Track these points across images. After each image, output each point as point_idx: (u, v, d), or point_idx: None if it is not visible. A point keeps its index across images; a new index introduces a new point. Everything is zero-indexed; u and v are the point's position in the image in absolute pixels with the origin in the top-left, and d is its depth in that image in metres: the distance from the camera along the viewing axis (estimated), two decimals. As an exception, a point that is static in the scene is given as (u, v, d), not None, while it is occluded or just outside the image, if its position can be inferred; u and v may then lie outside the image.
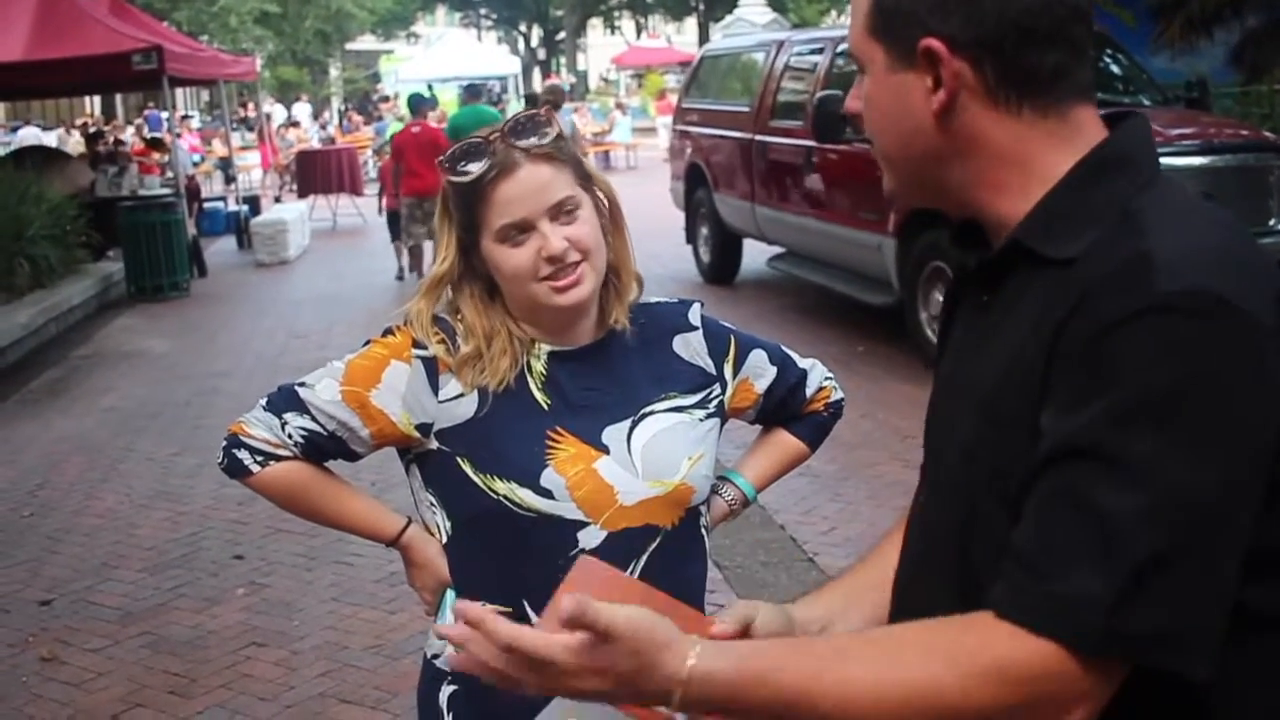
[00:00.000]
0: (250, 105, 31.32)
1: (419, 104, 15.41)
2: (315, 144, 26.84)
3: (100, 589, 5.91)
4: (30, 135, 26.83)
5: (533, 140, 1.99)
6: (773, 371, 2.23)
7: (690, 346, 2.15)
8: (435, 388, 2.02)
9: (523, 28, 59.32)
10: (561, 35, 56.70)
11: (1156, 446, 1.17)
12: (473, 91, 15.47)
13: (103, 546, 6.48)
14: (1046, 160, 1.33)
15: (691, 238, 13.86)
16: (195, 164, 23.99)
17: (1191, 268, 1.20)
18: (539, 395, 2.03)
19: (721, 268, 13.31)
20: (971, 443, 1.35)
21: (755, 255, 13.04)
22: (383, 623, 5.33)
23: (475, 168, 1.98)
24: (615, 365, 2.09)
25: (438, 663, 2.10)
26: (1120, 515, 1.16)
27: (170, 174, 17.57)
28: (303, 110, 37.52)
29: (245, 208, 19.21)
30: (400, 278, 14.79)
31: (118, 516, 6.94)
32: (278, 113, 35.47)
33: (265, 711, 4.65)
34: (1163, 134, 8.18)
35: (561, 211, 1.98)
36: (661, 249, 14.13)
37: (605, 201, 2.09)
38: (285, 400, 2.06)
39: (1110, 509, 1.17)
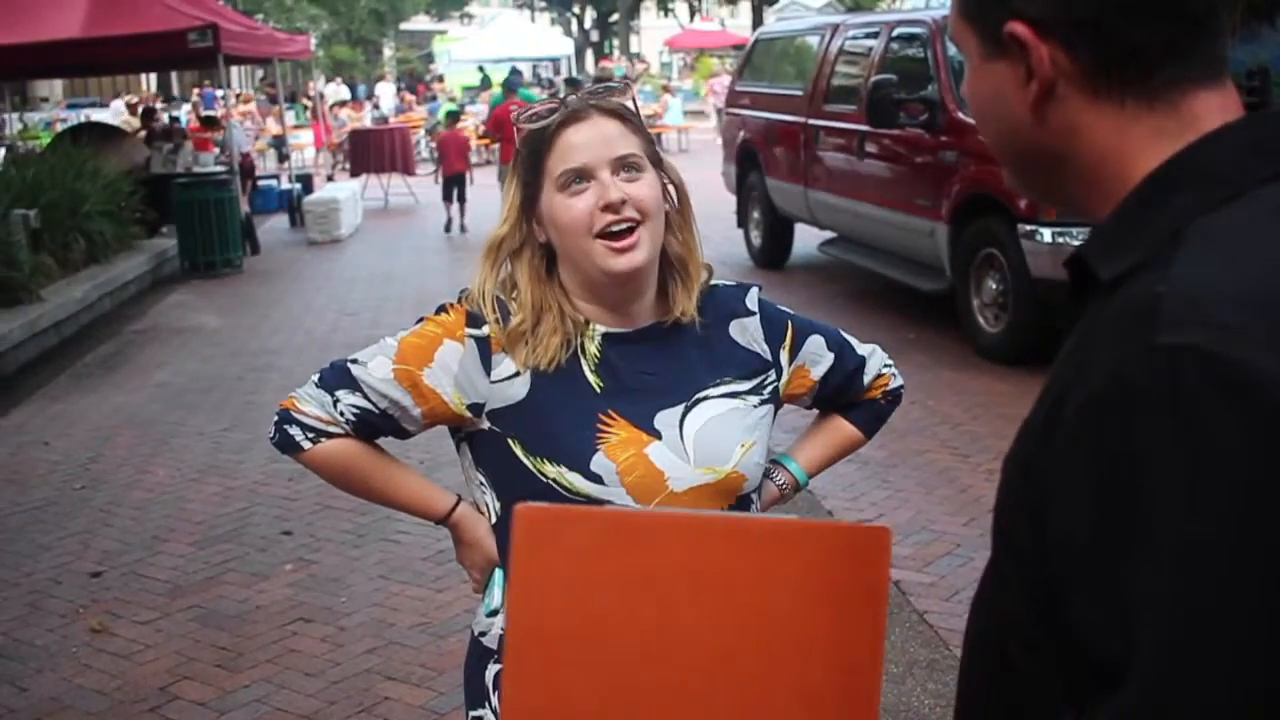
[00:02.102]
0: (310, 85, 31.47)
1: (515, 84, 17.46)
2: (368, 123, 26.95)
3: (150, 562, 5.95)
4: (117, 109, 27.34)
5: (606, 97, 2.02)
6: (830, 358, 2.20)
7: (747, 332, 2.13)
8: (488, 367, 2.00)
9: (576, 9, 59.26)
10: (615, 17, 56.60)
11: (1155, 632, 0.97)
12: (518, 74, 17.75)
13: (153, 520, 6.53)
14: (1148, 160, 1.12)
15: (743, 221, 13.82)
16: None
17: (1201, 316, 0.99)
18: (592, 377, 2.02)
19: (773, 252, 13.26)
20: (1000, 499, 1.20)
21: (806, 240, 12.99)
22: (429, 600, 5.35)
23: (549, 118, 2.00)
24: (670, 349, 2.06)
25: (484, 641, 2.10)
26: None
27: (222, 152, 17.67)
28: (386, 89, 37.60)
29: (298, 186, 19.33)
30: (448, 229, 17.16)
31: (168, 490, 6.99)
32: (330, 91, 35.59)
33: (311, 687, 4.67)
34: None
35: (624, 166, 1.97)
36: (712, 232, 14.08)
37: (674, 191, 2.08)
38: (337, 377, 2.05)
39: None
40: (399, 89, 38.41)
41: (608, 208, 1.94)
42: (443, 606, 5.26)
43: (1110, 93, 1.13)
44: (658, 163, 2.05)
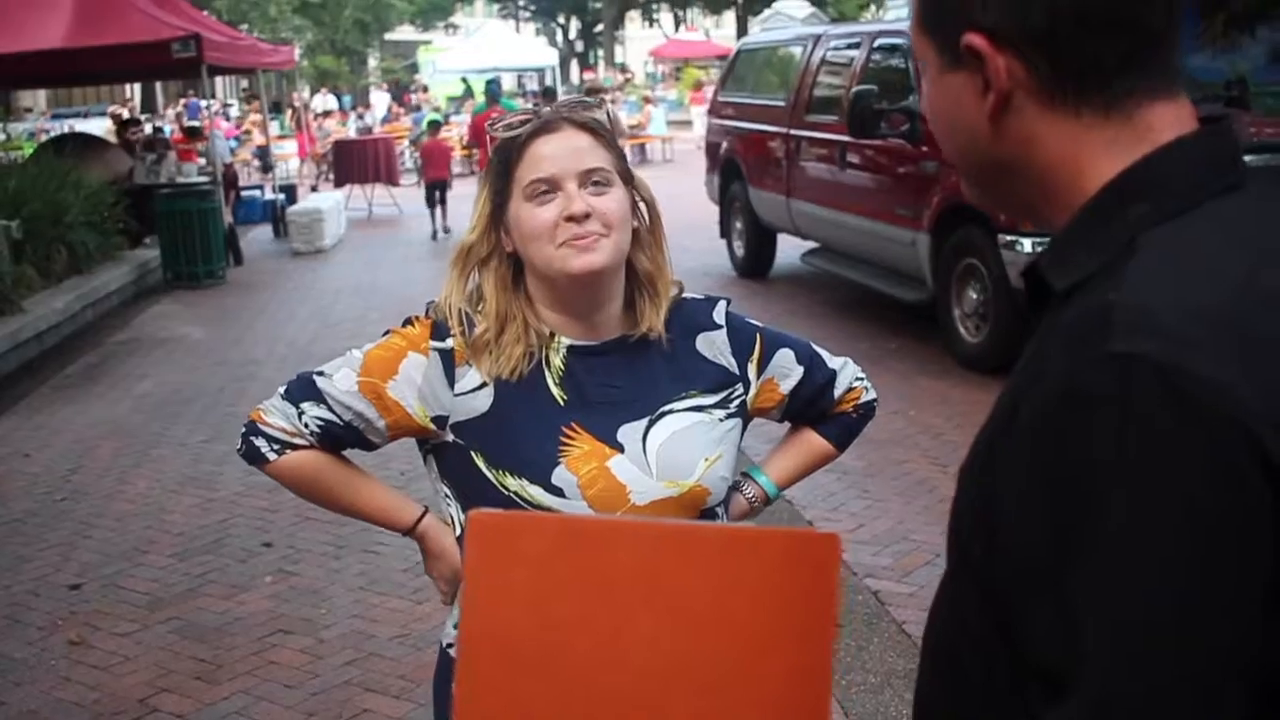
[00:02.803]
0: (294, 95, 31.41)
1: (496, 92, 18.01)
2: (352, 134, 26.95)
3: (130, 574, 5.95)
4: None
5: (578, 111, 2.04)
6: (799, 371, 2.20)
7: (713, 345, 2.13)
8: (451, 380, 2.01)
9: (561, 19, 59.31)
10: (600, 27, 56.66)
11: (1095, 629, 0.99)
12: (498, 85, 19.00)
13: (133, 532, 6.52)
14: (1102, 171, 1.14)
15: (725, 232, 13.84)
16: (232, 149, 24.10)
17: (1152, 326, 1.01)
18: (555, 390, 2.03)
19: (755, 262, 13.29)
20: (955, 508, 1.21)
21: (789, 250, 13.01)
22: (409, 612, 5.35)
23: (521, 128, 2.02)
24: (636, 362, 2.07)
25: (452, 653, 2.10)
26: None
27: (207, 162, 17.66)
28: (381, 100, 37.59)
29: (282, 196, 19.31)
30: (434, 237, 17.57)
31: (149, 502, 6.98)
32: (318, 102, 35.53)
33: (290, 699, 4.67)
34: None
35: (591, 180, 1.98)
36: (695, 242, 14.12)
37: (645, 208, 2.09)
38: (302, 389, 2.06)
39: None
40: (395, 97, 38.40)
41: (571, 219, 1.95)
42: (422, 618, 5.26)
43: (1066, 103, 1.14)
44: (628, 179, 2.06)
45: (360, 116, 32.57)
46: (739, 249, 13.54)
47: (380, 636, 5.14)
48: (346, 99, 40.66)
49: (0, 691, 4.82)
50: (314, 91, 37.62)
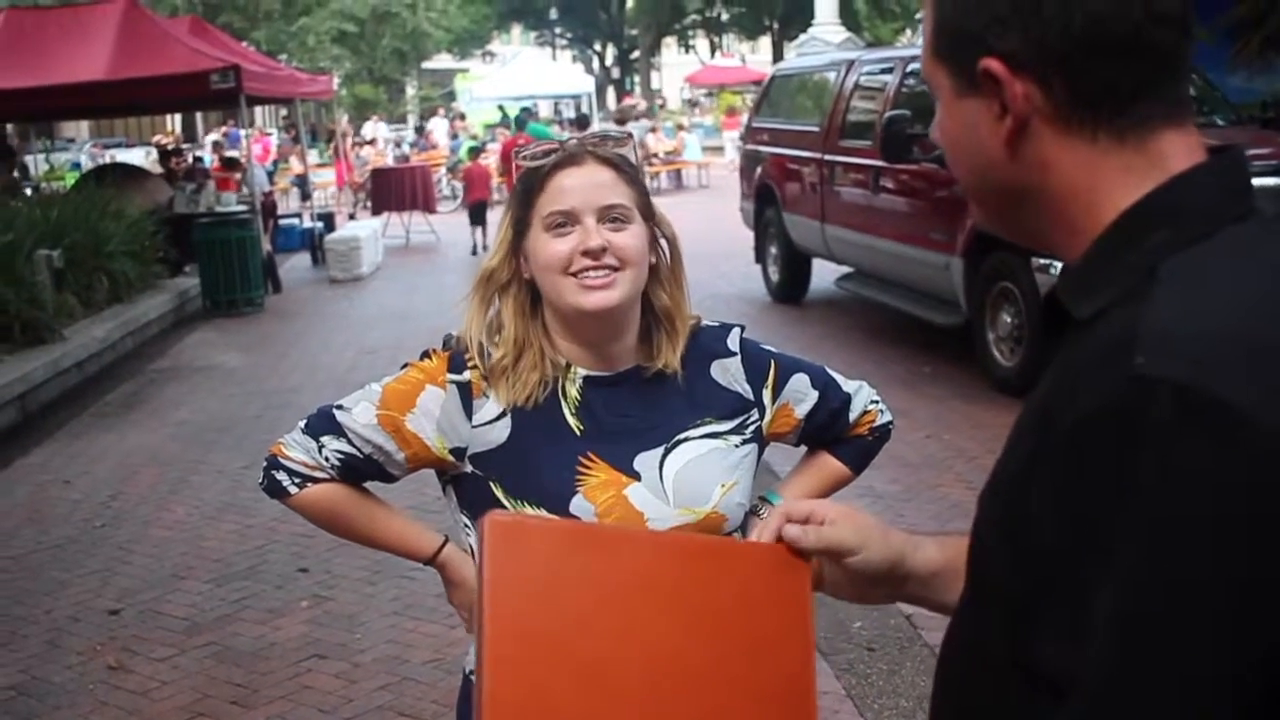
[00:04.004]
0: (333, 123, 31.63)
1: (523, 120, 19.16)
2: (390, 161, 27.13)
3: (168, 599, 6.00)
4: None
5: (604, 145, 2.07)
6: (814, 396, 2.21)
7: (728, 372, 2.15)
8: (469, 412, 2.04)
9: (597, 46, 59.50)
10: (636, 54, 56.80)
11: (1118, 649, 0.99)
12: (529, 112, 19.48)
13: (171, 558, 6.58)
14: (1116, 197, 1.14)
15: (760, 257, 13.86)
16: (269, 172, 24.29)
17: (1176, 350, 1.01)
18: (572, 420, 2.05)
19: (790, 287, 13.29)
20: (976, 529, 1.23)
21: (824, 275, 13.02)
22: (443, 637, 5.38)
23: (545, 159, 2.05)
24: (651, 391, 2.09)
25: (474, 678, 2.12)
26: None
27: (246, 190, 17.82)
28: (440, 125, 37.84)
29: (320, 224, 19.45)
30: (474, 252, 18.62)
31: (187, 528, 7.05)
32: (369, 129, 35.75)
33: (325, 723, 4.71)
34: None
35: (610, 216, 2.01)
36: (731, 268, 14.15)
37: (666, 245, 2.11)
38: (322, 423, 2.10)
39: None
40: (423, 127, 38.54)
41: (587, 253, 1.98)
42: (456, 643, 5.28)
43: (1082, 129, 1.14)
44: (649, 215, 2.08)
45: (398, 145, 32.77)
46: (774, 274, 13.55)
47: (414, 661, 5.17)
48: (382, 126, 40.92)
49: (40, 715, 4.88)
50: (354, 120, 37.81)
